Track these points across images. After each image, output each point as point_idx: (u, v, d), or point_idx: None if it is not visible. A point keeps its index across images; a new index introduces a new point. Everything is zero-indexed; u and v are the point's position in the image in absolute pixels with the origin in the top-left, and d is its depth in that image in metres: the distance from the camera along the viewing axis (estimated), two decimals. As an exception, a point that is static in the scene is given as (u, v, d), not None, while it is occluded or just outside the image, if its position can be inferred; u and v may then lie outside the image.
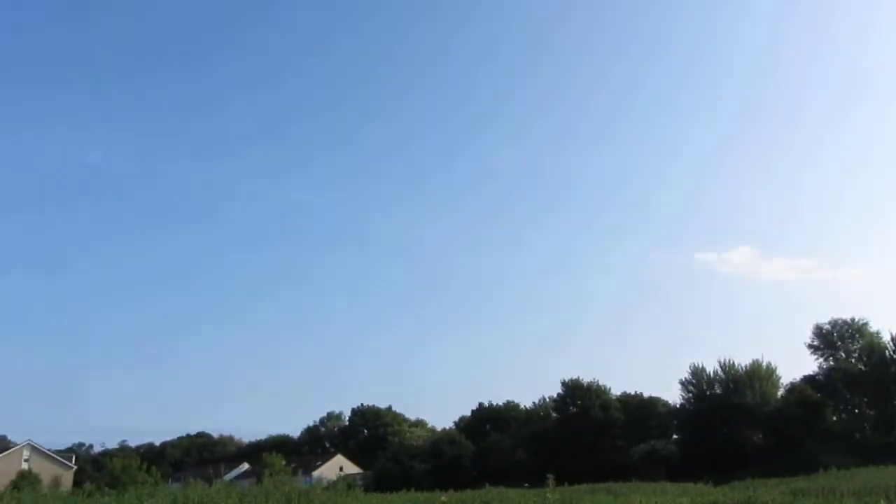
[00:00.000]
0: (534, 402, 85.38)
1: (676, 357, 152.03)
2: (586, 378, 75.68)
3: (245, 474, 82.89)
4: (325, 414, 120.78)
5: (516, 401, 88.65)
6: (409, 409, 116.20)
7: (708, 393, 68.43)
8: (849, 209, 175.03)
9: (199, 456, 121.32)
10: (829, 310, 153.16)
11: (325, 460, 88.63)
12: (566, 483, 30.28)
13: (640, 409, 73.43)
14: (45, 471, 64.36)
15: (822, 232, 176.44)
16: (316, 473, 73.99)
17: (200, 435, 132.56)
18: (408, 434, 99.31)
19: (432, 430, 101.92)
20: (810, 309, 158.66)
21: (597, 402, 72.43)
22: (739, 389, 65.24)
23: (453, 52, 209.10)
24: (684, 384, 70.30)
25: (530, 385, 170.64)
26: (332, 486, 24.70)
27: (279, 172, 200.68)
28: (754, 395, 64.67)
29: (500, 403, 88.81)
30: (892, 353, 61.10)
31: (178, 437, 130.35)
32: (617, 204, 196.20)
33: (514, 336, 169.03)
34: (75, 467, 75.82)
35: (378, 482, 64.05)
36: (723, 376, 68.18)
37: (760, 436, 63.73)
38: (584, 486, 36.24)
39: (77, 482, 65.11)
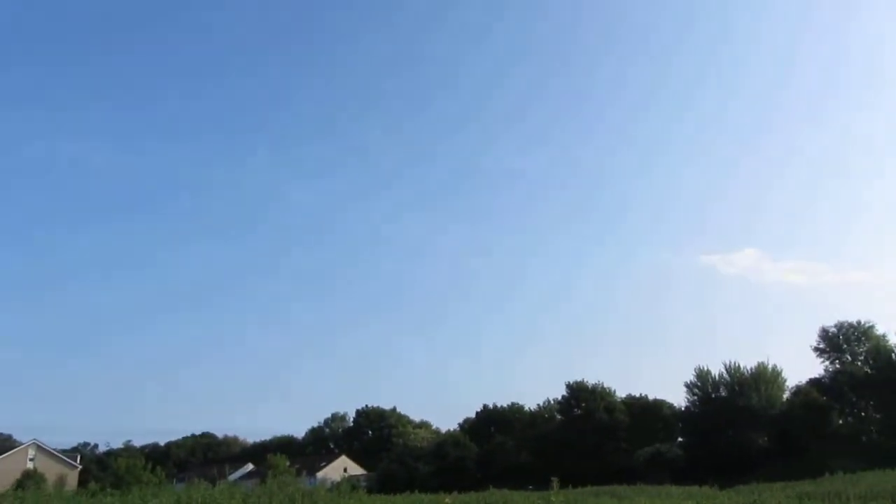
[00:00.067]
0: (538, 405, 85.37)
1: (681, 359, 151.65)
2: (591, 380, 75.79)
3: (249, 475, 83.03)
4: (329, 415, 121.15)
5: (521, 403, 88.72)
6: (414, 411, 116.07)
7: (713, 396, 68.13)
8: (856, 212, 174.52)
9: (203, 456, 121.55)
10: (836, 312, 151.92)
11: (329, 461, 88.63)
12: (570, 485, 30.23)
13: (645, 412, 73.22)
14: (50, 470, 64.61)
15: (829, 234, 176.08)
16: (320, 474, 74.13)
17: (205, 435, 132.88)
18: (412, 435, 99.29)
19: (436, 432, 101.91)
20: (816, 311, 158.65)
21: (601, 404, 72.27)
22: (745, 392, 64.98)
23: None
24: (689, 387, 70.05)
25: (535, 387, 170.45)
26: (336, 487, 24.73)
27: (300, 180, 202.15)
28: (760, 398, 64.39)
29: (505, 405, 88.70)
30: (898, 356, 60.77)
31: (183, 438, 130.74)
32: (631, 209, 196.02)
33: (516, 337, 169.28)
34: (80, 467, 76.05)
35: (382, 483, 64.09)
36: (728, 379, 67.88)
37: (766, 439, 63.45)
38: (588, 489, 36.24)
39: (82, 482, 65.32)
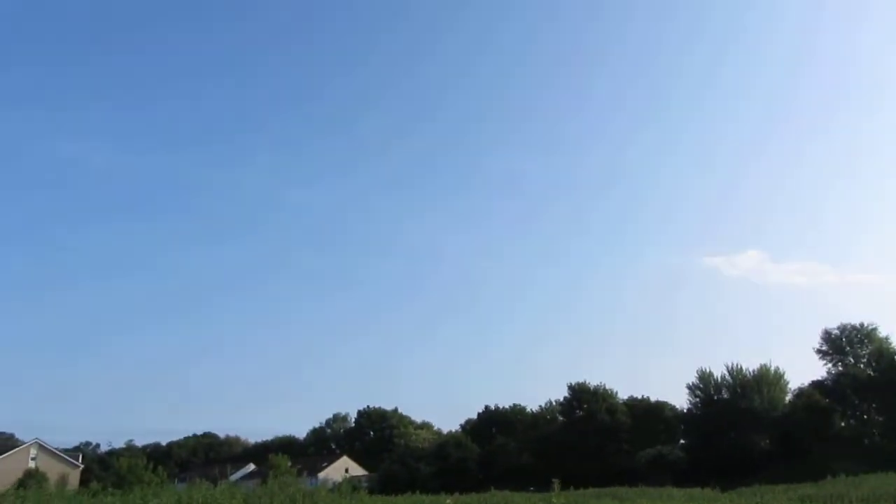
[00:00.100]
0: (540, 406, 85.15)
1: (684, 361, 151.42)
2: (593, 382, 75.65)
3: (251, 475, 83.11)
4: (331, 415, 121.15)
5: (522, 404, 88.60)
6: (416, 412, 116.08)
7: (715, 398, 68.05)
8: (860, 214, 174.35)
9: (205, 456, 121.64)
10: (838, 314, 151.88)
11: (330, 462, 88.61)
12: (572, 487, 30.27)
13: (647, 414, 73.09)
14: (52, 469, 64.66)
15: (833, 237, 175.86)
16: (321, 475, 74.09)
17: (207, 435, 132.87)
18: (414, 436, 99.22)
19: (438, 433, 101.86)
20: (819, 313, 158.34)
21: (603, 405, 72.14)
22: (747, 394, 64.90)
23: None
24: (691, 388, 69.99)
25: (540, 389, 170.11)
26: (337, 488, 24.71)
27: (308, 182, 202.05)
28: (762, 400, 64.31)
29: (507, 406, 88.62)
30: (901, 358, 60.63)
31: (185, 437, 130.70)
32: (638, 211, 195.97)
33: (522, 338, 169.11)
34: (82, 466, 76.09)
35: (383, 484, 64.01)
36: (730, 381, 67.82)
37: (768, 441, 63.29)
38: (590, 491, 36.21)
39: (84, 481, 65.37)
